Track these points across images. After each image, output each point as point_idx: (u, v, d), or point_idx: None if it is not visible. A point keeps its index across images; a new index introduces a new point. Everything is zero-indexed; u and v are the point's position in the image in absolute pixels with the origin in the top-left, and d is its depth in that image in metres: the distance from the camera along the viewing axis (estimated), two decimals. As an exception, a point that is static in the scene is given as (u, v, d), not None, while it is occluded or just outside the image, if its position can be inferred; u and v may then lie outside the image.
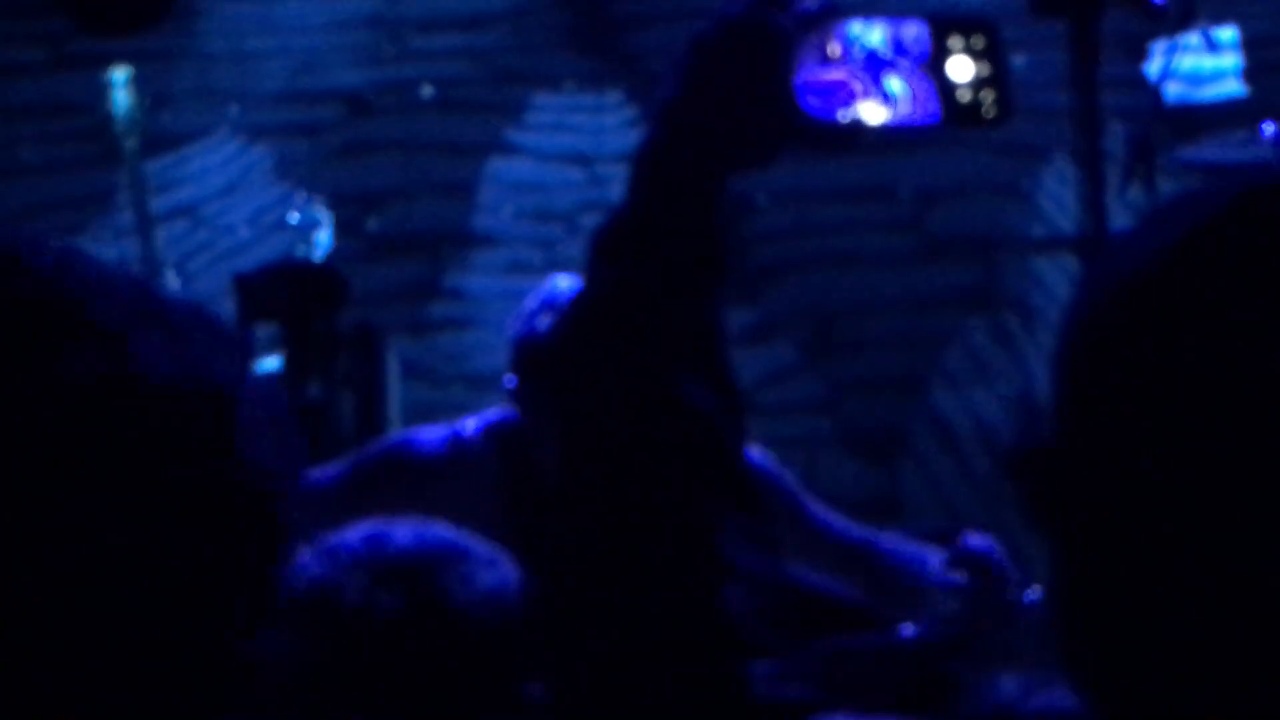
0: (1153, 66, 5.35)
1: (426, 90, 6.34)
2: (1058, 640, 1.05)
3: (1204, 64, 5.73)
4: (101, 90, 5.59)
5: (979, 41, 1.50)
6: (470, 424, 3.66)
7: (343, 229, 5.94)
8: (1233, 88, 5.89)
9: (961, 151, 6.52)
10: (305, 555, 1.65)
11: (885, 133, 1.52)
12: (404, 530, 1.64)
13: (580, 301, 1.40)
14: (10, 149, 6.25)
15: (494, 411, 3.64)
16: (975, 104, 1.50)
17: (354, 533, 1.64)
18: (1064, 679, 1.30)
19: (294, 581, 1.61)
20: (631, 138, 6.38)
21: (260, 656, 1.83)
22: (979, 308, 6.73)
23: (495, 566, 1.61)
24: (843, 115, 1.48)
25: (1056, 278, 6.57)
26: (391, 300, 6.33)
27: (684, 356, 1.36)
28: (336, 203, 5.87)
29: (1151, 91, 5.25)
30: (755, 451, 3.16)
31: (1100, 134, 4.08)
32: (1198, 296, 0.98)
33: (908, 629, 3.42)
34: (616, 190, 5.00)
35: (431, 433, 3.72)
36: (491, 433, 3.59)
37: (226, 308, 5.79)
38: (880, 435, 6.67)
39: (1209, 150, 5.85)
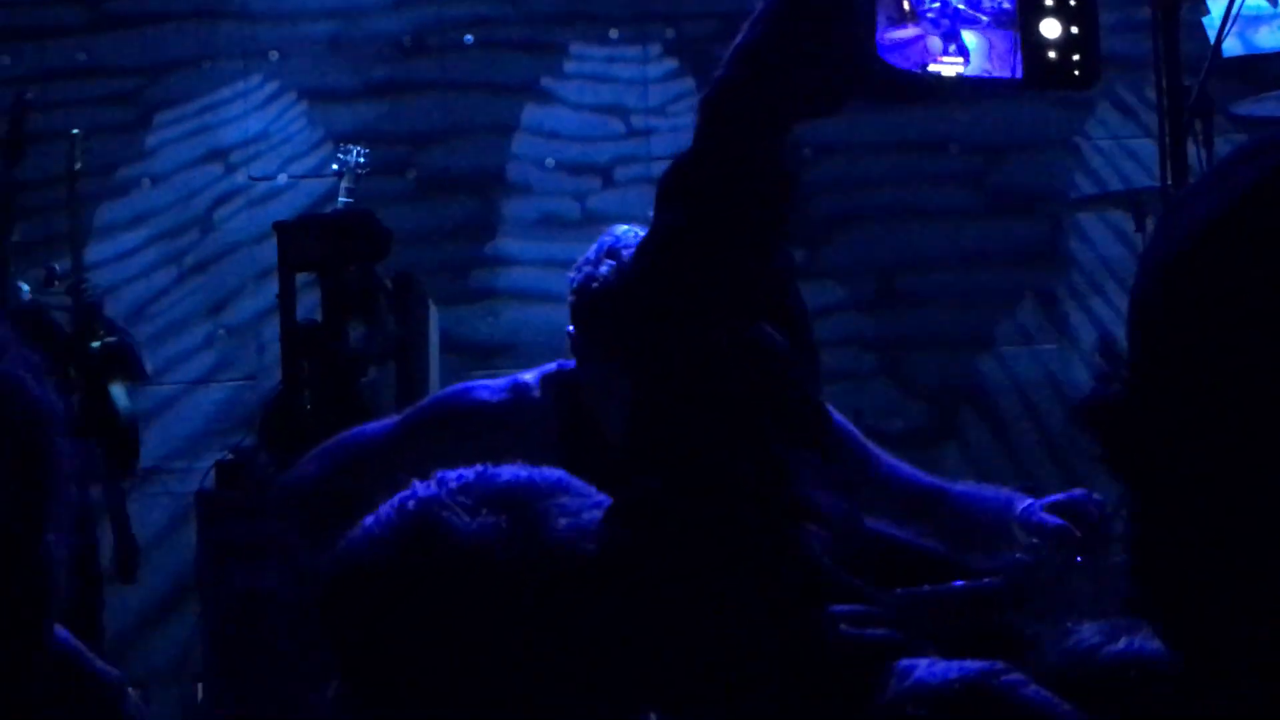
0: (1212, 19, 5.26)
1: (467, 37, 6.21)
2: (1138, 586, 1.04)
3: (1264, 12, 5.72)
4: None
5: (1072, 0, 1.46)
6: (529, 376, 3.57)
7: (383, 174, 5.88)
8: None
9: (1017, 105, 6.42)
10: (415, 483, 1.63)
11: (961, 87, 1.48)
12: (514, 467, 1.63)
13: (647, 245, 1.39)
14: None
15: (551, 364, 3.57)
16: (1062, 64, 1.46)
17: (447, 474, 1.61)
18: (1143, 625, 1.45)
19: (403, 500, 1.61)
20: (672, 91, 6.27)
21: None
22: (1041, 264, 6.71)
23: (603, 507, 1.53)
24: (918, 68, 1.45)
25: (1104, 233, 6.60)
26: (428, 249, 6.25)
27: (753, 298, 1.36)
28: (376, 148, 5.82)
29: (1212, 39, 5.13)
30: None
31: (1179, 88, 4.08)
32: (1273, 238, 0.97)
33: (992, 580, 3.36)
34: (655, 144, 4.90)
35: (490, 384, 3.65)
36: (550, 382, 3.50)
37: (261, 256, 5.82)
38: (940, 389, 6.71)
39: (1268, 104, 5.78)
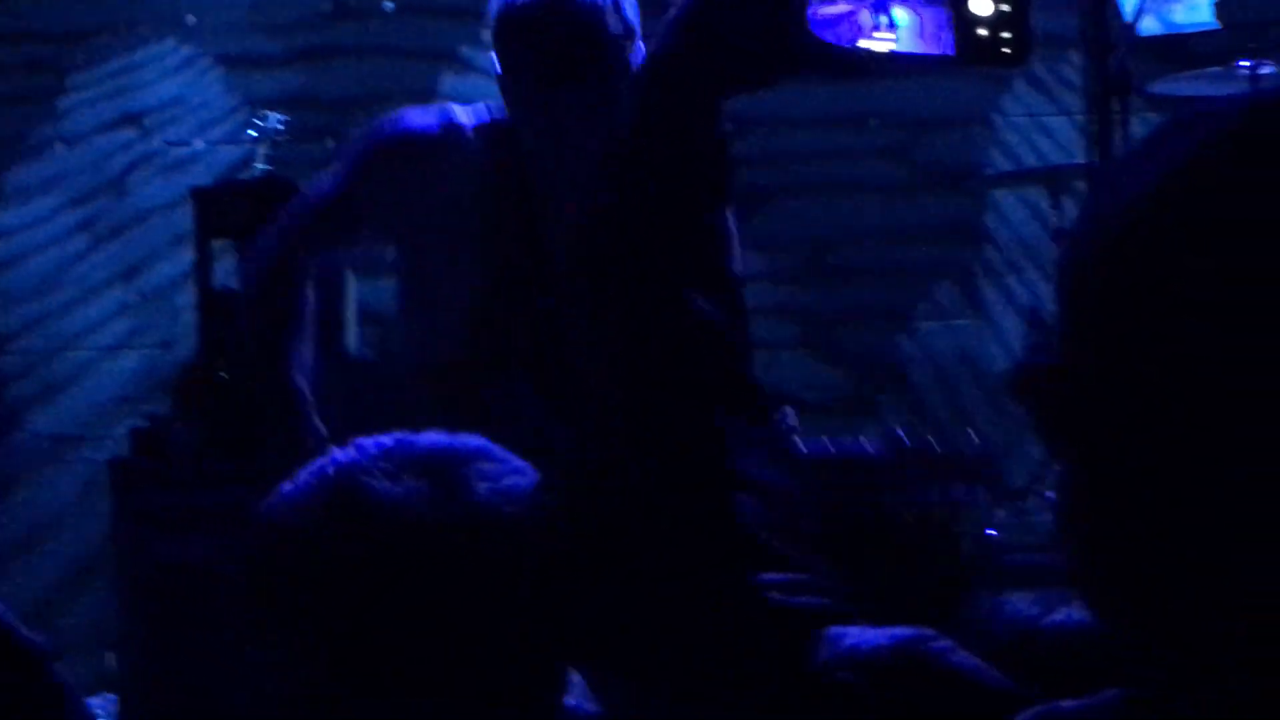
0: (1129, 1, 5.43)
1: (388, 4, 6.25)
2: (1069, 557, 1.04)
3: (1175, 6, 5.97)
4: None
5: None
6: (462, 116, 3.55)
7: (303, 140, 5.87)
8: (1206, 19, 5.99)
9: (937, 80, 6.36)
10: (333, 450, 1.65)
11: (893, 63, 1.47)
12: (433, 433, 1.64)
13: (591, 219, 1.41)
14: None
15: (483, 108, 3.54)
16: (994, 41, 1.46)
17: (366, 442, 1.63)
18: (1076, 596, 1.30)
19: (322, 467, 1.62)
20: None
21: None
22: (960, 240, 6.81)
23: (523, 473, 1.60)
24: (850, 43, 1.43)
25: (1021, 210, 6.69)
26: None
27: (690, 270, 1.36)
28: (295, 115, 5.83)
29: (1127, 18, 5.34)
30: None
31: (1106, 66, 4.16)
32: (1207, 210, 0.97)
33: (878, 449, 3.61)
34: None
35: (414, 110, 3.65)
36: (484, 131, 3.49)
37: (175, 222, 5.80)
38: (858, 362, 6.78)
39: (1185, 84, 5.88)
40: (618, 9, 3.40)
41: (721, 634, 1.24)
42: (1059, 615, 1.60)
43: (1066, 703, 1.07)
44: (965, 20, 1.44)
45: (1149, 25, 5.56)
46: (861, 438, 3.70)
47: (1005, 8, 1.46)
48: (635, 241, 1.37)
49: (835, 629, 1.20)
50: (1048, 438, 1.06)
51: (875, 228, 6.69)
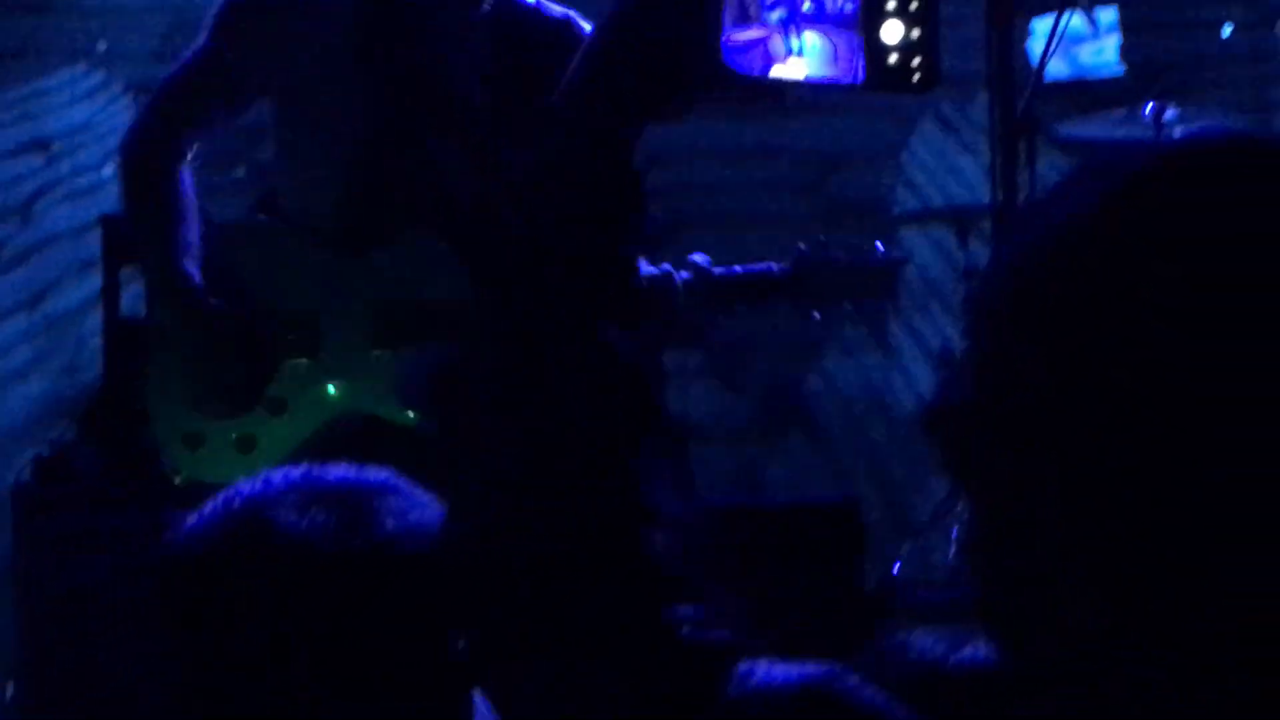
0: (1035, 44, 5.49)
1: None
2: (975, 588, 1.05)
3: (1085, 34, 6.02)
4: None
5: (914, 4, 1.50)
6: None
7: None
8: (1112, 66, 6.13)
9: (847, 117, 6.62)
10: (239, 482, 1.65)
11: (804, 89, 1.52)
12: (341, 467, 1.64)
13: (506, 257, 1.44)
14: None
15: None
16: (903, 68, 1.50)
17: (290, 467, 1.65)
18: (981, 631, 1.38)
19: (228, 499, 1.62)
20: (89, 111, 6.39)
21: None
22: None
23: (428, 507, 1.60)
24: (761, 71, 1.47)
25: (927, 248, 6.73)
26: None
27: (605, 302, 1.37)
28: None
29: (1034, 63, 5.26)
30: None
31: (1013, 107, 4.21)
32: (1112, 253, 0.98)
33: (778, 265, 3.76)
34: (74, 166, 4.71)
35: None
36: None
37: (82, 248, 5.76)
38: (765, 394, 6.83)
39: (1092, 126, 6.03)
40: None
41: (638, 670, 1.24)
42: (965, 652, 1.56)
43: None
44: (875, 48, 1.48)
45: (1056, 68, 5.57)
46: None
47: (915, 34, 1.50)
48: (551, 273, 1.38)
49: (744, 665, 1.21)
50: (957, 472, 1.05)
51: (784, 260, 6.59)
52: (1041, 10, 5.48)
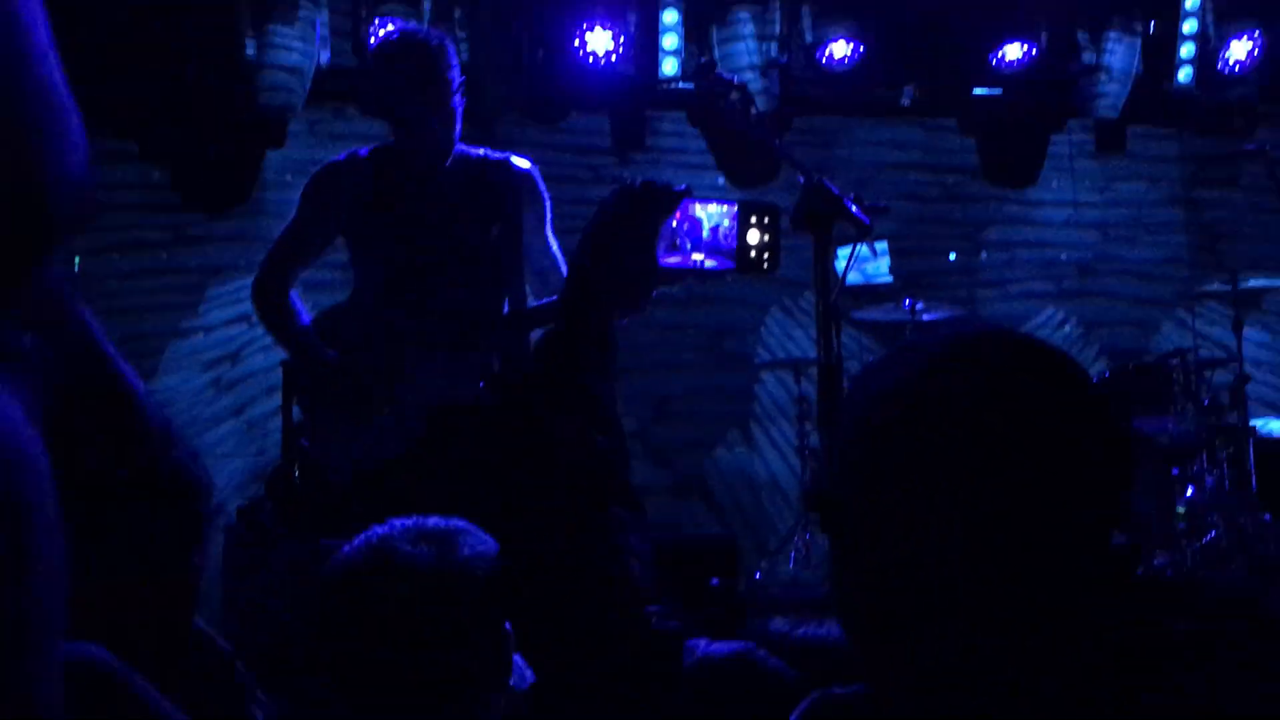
0: (840, 262, 5.24)
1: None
2: (838, 603, 1.01)
3: (869, 263, 5.78)
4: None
5: (767, 219, 1.47)
6: (362, 149, 3.53)
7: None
8: (885, 277, 5.97)
9: (732, 305, 6.68)
10: (374, 526, 1.59)
11: (701, 273, 1.45)
12: (434, 517, 1.58)
13: (525, 383, 1.36)
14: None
15: (381, 143, 3.54)
16: (759, 259, 1.46)
17: (396, 522, 1.59)
18: (817, 619, 1.53)
19: (367, 537, 1.56)
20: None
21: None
22: (742, 400, 6.85)
23: (488, 541, 1.52)
24: (680, 262, 1.44)
25: (776, 384, 6.71)
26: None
27: (591, 416, 1.32)
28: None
29: (839, 275, 5.22)
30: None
31: (830, 307, 4.17)
32: (904, 418, 0.96)
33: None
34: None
35: (337, 157, 3.59)
36: (375, 153, 3.49)
37: (271, 379, 5.57)
38: (681, 470, 6.74)
39: (872, 313, 6.16)
40: (447, 56, 3.37)
41: (622, 649, 1.18)
42: (800, 631, 1.47)
43: (836, 689, 1.04)
44: (743, 248, 1.45)
45: (853, 277, 5.13)
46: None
47: (767, 239, 1.45)
48: (558, 400, 1.33)
49: (690, 640, 1.18)
50: (828, 532, 0.99)
51: (692, 389, 6.77)
52: (844, 243, 5.14)
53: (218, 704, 1.36)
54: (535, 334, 3.23)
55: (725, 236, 1.44)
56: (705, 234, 1.43)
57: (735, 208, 1.46)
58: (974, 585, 0.89)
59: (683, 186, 1.37)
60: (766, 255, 1.46)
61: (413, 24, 4.04)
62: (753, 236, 1.45)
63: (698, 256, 1.43)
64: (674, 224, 1.42)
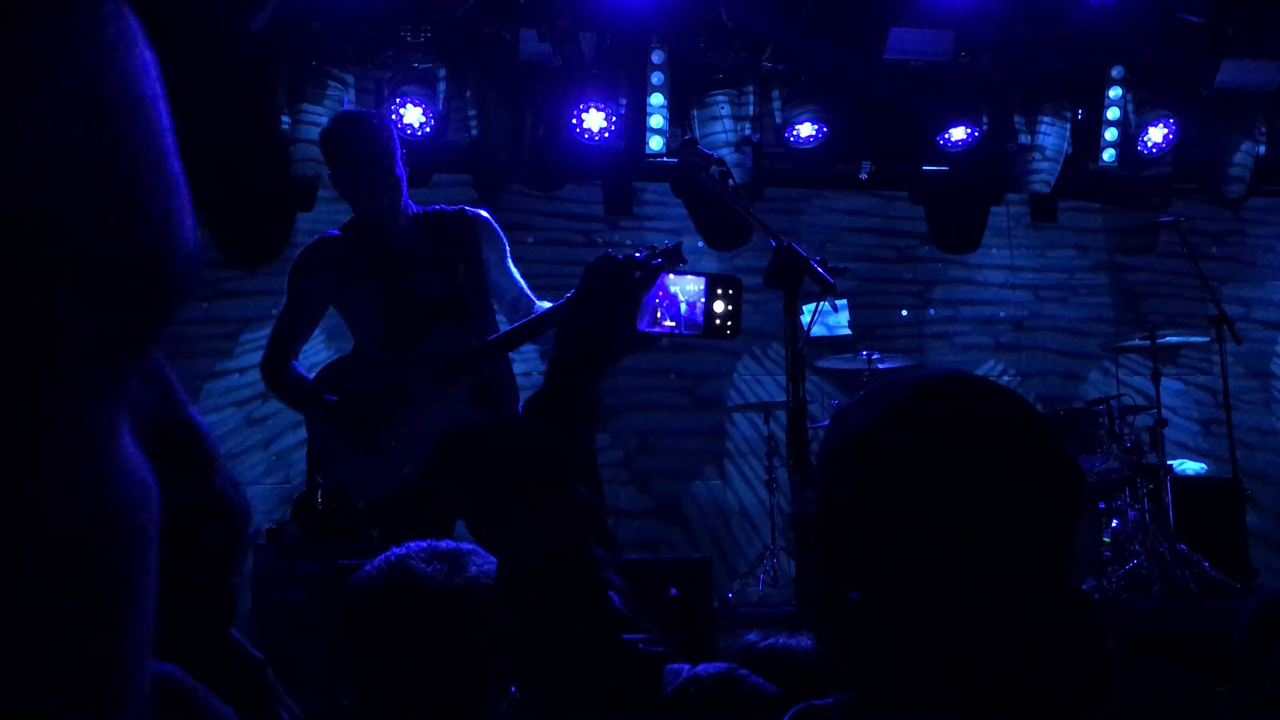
0: (806, 316, 5.28)
1: None
2: (812, 616, 1.00)
3: (830, 317, 5.95)
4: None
5: (731, 291, 1.47)
6: (335, 228, 3.55)
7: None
8: (845, 330, 6.13)
9: (708, 352, 6.73)
10: (392, 548, 1.57)
11: (675, 337, 1.45)
12: (446, 540, 1.58)
13: (518, 442, 1.33)
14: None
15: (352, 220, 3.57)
16: (723, 326, 1.45)
17: (411, 544, 1.58)
18: (787, 633, 1.37)
19: (385, 556, 1.55)
20: None
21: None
22: (718, 439, 6.94)
23: (492, 562, 1.50)
24: (654, 328, 1.43)
25: (747, 424, 6.82)
26: None
27: (576, 467, 1.31)
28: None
29: (804, 327, 5.25)
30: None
31: (797, 354, 4.35)
32: (884, 445, 0.96)
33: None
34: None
35: (311, 239, 3.64)
36: (347, 227, 3.55)
37: (296, 415, 5.26)
38: (662, 495, 6.81)
39: (834, 361, 6.23)
40: (385, 132, 3.40)
41: (609, 673, 1.15)
42: (768, 641, 1.49)
43: (819, 701, 1.01)
44: (710, 316, 1.44)
45: (818, 329, 5.72)
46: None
47: (730, 308, 1.44)
48: (548, 452, 1.30)
49: (673, 665, 1.16)
50: (806, 553, 0.98)
51: (673, 427, 6.86)
52: (809, 301, 5.35)
53: (250, 707, 1.36)
54: (532, 353, 3.37)
55: (696, 307, 1.45)
56: (680, 306, 1.44)
57: (704, 281, 1.46)
58: (948, 595, 0.90)
59: (669, 243, 1.31)
60: (730, 323, 1.46)
61: (352, 106, 4.02)
62: (718, 306, 1.45)
63: (670, 324, 1.43)
64: (655, 298, 1.43)
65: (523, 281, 3.59)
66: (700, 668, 1.11)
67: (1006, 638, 0.89)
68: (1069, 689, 0.88)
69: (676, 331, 1.43)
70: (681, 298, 1.44)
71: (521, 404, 1.36)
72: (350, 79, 5.65)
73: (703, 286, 1.45)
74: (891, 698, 0.92)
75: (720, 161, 3.55)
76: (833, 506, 0.96)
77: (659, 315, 1.42)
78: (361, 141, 3.37)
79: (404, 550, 1.55)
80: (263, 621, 4.23)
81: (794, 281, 3.19)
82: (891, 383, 1.01)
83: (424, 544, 1.57)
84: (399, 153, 3.43)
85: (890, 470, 0.93)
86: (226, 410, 6.16)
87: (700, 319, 1.44)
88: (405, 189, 3.50)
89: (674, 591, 3.33)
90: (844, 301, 5.86)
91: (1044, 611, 0.89)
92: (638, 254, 1.39)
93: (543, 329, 3.38)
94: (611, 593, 1.19)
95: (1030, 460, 0.94)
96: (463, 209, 3.62)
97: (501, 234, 3.62)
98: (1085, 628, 0.88)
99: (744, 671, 1.09)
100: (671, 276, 1.44)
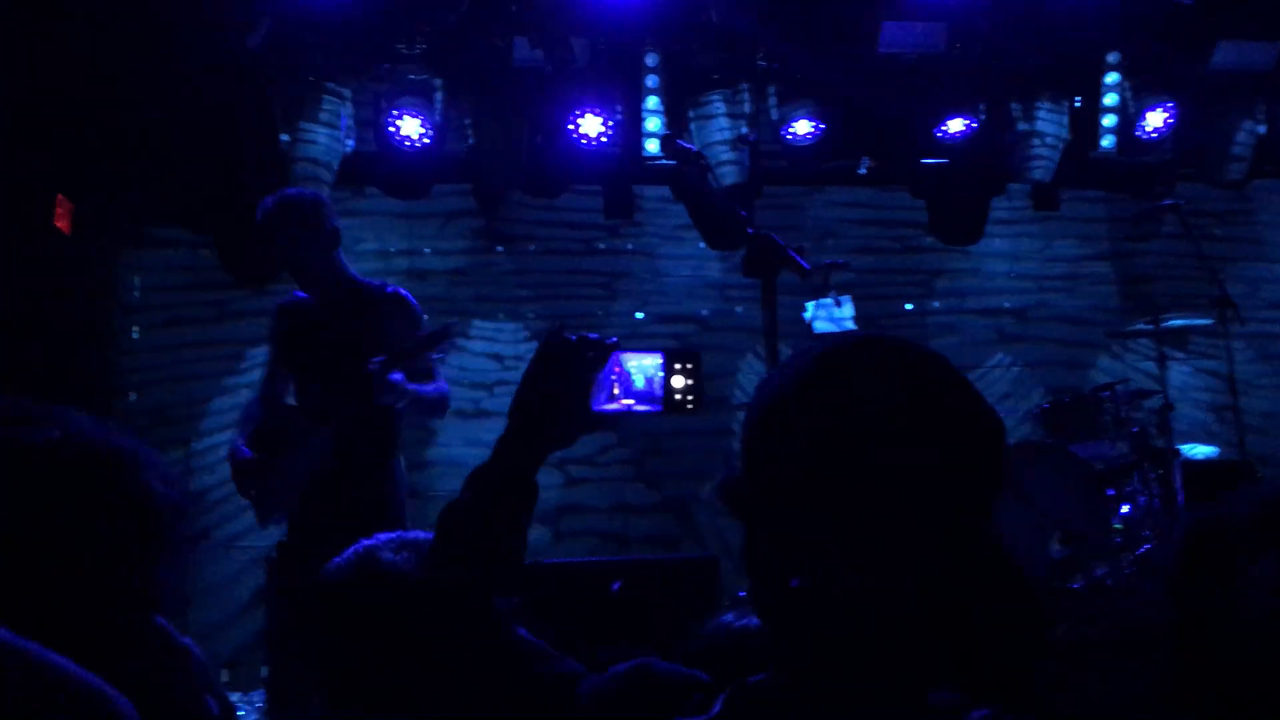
0: (808, 312, 5.78)
1: None
2: (749, 582, 1.02)
3: (834, 311, 5.92)
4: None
5: (689, 365, 1.45)
6: (294, 298, 4.03)
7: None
8: (850, 323, 5.96)
9: (713, 353, 6.59)
10: (363, 539, 1.62)
11: (633, 415, 1.43)
12: (416, 531, 1.61)
13: (463, 507, 1.32)
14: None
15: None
16: (683, 401, 1.44)
17: (389, 533, 1.64)
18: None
19: (355, 549, 1.58)
20: None
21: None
22: (727, 436, 6.83)
23: None
24: (610, 406, 1.42)
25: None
26: None
27: (518, 522, 1.33)
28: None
29: (807, 324, 5.70)
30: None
31: (775, 343, 3.84)
32: (799, 407, 0.98)
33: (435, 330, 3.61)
34: None
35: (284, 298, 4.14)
36: (293, 298, 3.97)
37: None
38: (672, 493, 6.80)
39: None
40: (320, 210, 3.77)
41: (517, 693, 1.16)
42: (742, 620, 1.51)
43: (749, 679, 1.02)
44: (670, 390, 1.44)
45: (823, 324, 5.70)
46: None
47: (690, 383, 1.45)
48: (495, 515, 1.30)
49: (586, 680, 1.16)
50: (735, 515, 1.00)
51: (680, 427, 6.73)
52: (814, 297, 5.73)
53: (173, 690, 1.37)
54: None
55: (654, 382, 1.43)
56: (638, 383, 1.43)
57: (661, 357, 1.46)
58: (864, 556, 0.90)
59: (613, 339, 1.36)
60: (691, 397, 1.45)
61: (291, 188, 4.12)
62: (677, 381, 1.44)
63: (628, 401, 1.42)
64: (611, 375, 1.42)
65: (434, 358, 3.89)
66: (611, 669, 1.10)
67: (929, 594, 0.89)
68: (996, 644, 0.88)
69: (634, 409, 1.41)
70: (639, 374, 1.42)
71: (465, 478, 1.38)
72: (347, 93, 5.67)
73: (660, 362, 1.44)
74: (813, 666, 0.92)
75: (700, 155, 3.62)
76: (753, 475, 0.96)
77: (615, 392, 1.41)
78: (299, 218, 3.72)
79: (373, 541, 1.58)
80: (271, 632, 4.29)
81: (772, 269, 3.23)
82: (806, 348, 1.01)
83: (393, 534, 1.59)
84: (331, 228, 3.76)
85: (803, 435, 0.93)
86: (232, 423, 5.87)
87: (660, 394, 1.43)
88: (335, 265, 3.85)
89: (616, 586, 3.32)
90: (848, 296, 5.79)
91: (968, 566, 0.89)
92: (591, 335, 1.39)
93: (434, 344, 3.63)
94: (515, 634, 1.19)
95: (944, 411, 0.94)
96: (384, 284, 3.94)
97: (416, 305, 3.92)
98: (1010, 582, 0.89)
99: (661, 664, 1.08)
100: (630, 355, 1.43)
